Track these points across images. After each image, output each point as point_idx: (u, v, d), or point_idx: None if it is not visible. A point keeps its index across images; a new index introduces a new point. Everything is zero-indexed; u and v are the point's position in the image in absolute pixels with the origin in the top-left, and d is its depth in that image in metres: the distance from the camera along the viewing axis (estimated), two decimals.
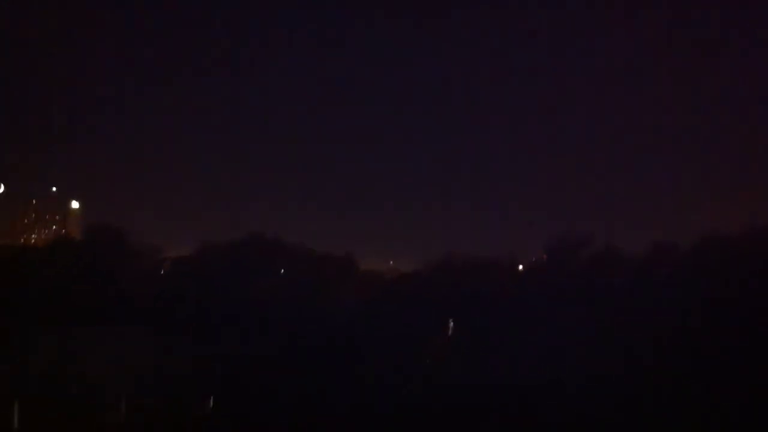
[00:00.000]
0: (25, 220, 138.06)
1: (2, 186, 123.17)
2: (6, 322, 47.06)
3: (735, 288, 45.82)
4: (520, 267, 74.51)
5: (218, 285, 60.90)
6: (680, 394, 34.01)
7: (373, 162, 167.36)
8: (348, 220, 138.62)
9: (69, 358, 42.47)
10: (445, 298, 63.18)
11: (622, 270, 57.33)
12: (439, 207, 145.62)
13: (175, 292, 60.25)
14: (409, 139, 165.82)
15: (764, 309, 42.27)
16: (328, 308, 59.91)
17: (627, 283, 53.72)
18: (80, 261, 61.52)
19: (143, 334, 48.23)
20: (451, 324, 59.94)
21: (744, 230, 54.77)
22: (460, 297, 62.39)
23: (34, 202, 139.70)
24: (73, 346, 44.77)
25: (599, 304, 50.62)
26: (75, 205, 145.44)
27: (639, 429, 28.15)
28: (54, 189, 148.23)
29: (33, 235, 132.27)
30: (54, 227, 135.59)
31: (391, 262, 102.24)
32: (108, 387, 36.04)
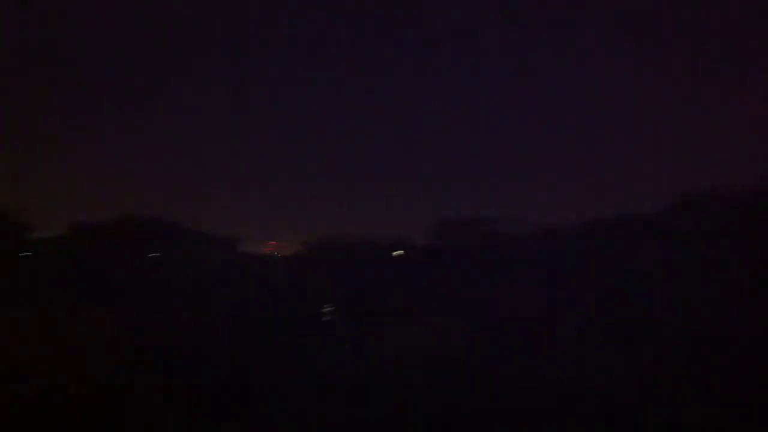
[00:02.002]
0: None
1: None
2: None
3: (611, 270, 48.67)
4: (402, 252, 76.06)
5: (89, 266, 58.58)
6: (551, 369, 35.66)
7: (255, 142, 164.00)
8: (230, 201, 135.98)
9: None
10: (327, 280, 63.58)
11: (507, 250, 59.11)
12: (322, 189, 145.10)
13: (43, 273, 57.25)
14: (290, 120, 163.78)
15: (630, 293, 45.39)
16: (204, 290, 58.96)
17: (512, 263, 55.50)
18: None
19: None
20: (328, 308, 60.47)
21: (623, 216, 58.44)
22: (343, 279, 62.93)
23: None
24: None
25: (483, 284, 52.35)
26: None
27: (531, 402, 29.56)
28: None
29: None
30: None
31: (274, 243, 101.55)
32: None
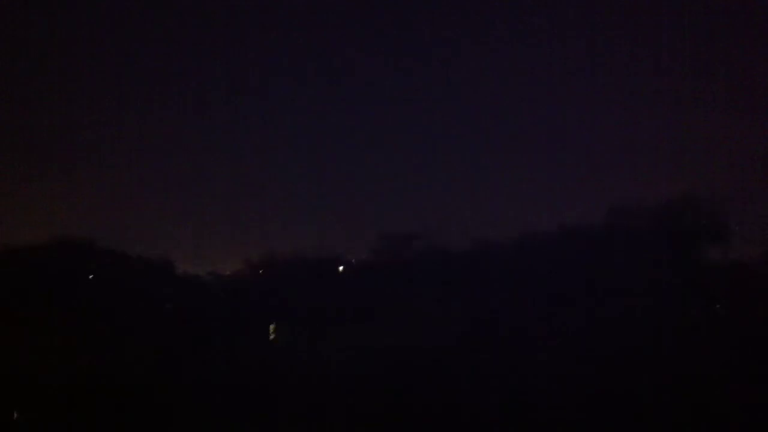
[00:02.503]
0: None
1: None
2: None
3: (548, 285, 49.24)
4: (342, 267, 75.77)
5: (17, 294, 56.65)
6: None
7: (190, 160, 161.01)
8: (165, 222, 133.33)
9: None
10: (268, 299, 62.86)
11: (449, 265, 59.18)
12: (258, 206, 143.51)
13: None
14: (222, 137, 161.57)
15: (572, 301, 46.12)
16: (142, 314, 57.60)
17: (453, 278, 55.59)
18: None
19: None
20: (273, 327, 59.62)
21: (561, 228, 57.77)
22: (284, 298, 62.29)
23: None
24: None
25: (426, 298, 52.46)
26: None
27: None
28: None
29: None
30: None
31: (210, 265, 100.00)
32: None
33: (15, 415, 32.70)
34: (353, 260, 78.05)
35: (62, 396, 31.41)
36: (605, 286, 44.63)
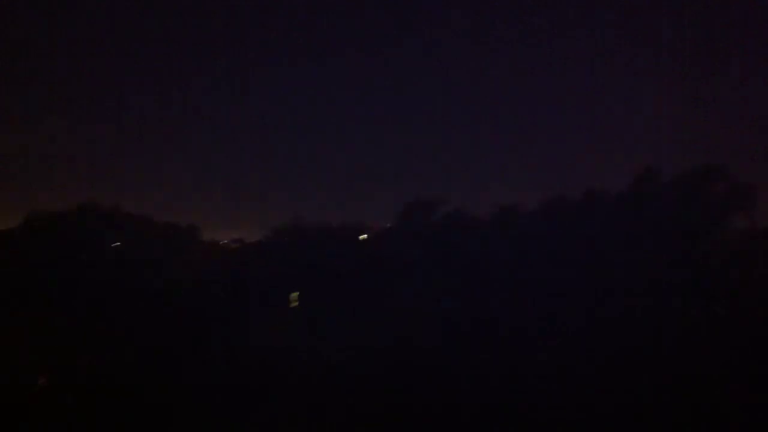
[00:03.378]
0: None
1: None
2: None
3: (569, 248, 48.87)
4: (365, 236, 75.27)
5: (48, 257, 56.90)
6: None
7: (217, 132, 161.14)
8: (192, 191, 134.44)
9: None
10: (291, 267, 62.59)
11: (470, 232, 58.54)
12: (284, 177, 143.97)
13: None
14: (248, 110, 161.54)
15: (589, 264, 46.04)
16: (169, 279, 57.68)
17: (475, 244, 55.18)
18: None
19: None
20: (295, 295, 59.26)
21: (583, 196, 57.22)
22: (307, 265, 62.03)
23: None
24: None
25: (448, 265, 52.20)
26: None
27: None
28: None
29: None
30: None
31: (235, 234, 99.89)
32: None
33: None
34: (378, 227, 77.72)
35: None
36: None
